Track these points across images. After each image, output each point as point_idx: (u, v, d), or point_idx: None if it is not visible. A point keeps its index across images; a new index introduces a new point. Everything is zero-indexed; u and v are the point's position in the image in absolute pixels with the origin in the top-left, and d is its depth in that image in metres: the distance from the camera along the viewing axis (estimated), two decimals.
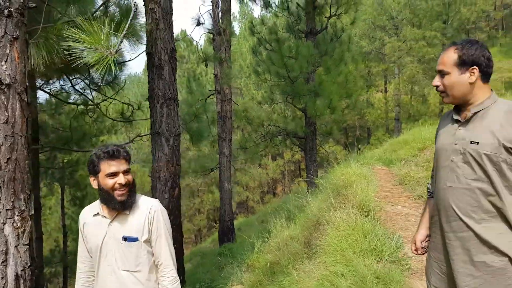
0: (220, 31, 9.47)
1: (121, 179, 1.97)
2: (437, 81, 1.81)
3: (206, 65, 9.13)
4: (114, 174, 1.97)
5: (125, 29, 2.28)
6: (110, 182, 1.96)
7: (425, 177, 5.82)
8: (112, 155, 1.96)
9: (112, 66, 2.07)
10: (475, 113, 1.74)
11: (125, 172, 2.00)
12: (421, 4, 24.60)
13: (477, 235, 1.68)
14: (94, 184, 2.02)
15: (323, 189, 6.05)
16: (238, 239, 9.04)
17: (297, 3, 11.06)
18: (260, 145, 11.96)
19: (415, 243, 2.08)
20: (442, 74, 1.78)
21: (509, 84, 25.00)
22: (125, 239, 2.00)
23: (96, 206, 2.10)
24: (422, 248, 2.05)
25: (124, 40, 2.07)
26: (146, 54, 5.02)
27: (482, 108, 1.73)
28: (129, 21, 2.30)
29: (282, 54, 9.76)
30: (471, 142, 1.70)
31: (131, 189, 2.02)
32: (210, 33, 9.97)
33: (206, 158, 13.30)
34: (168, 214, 2.17)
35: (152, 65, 4.90)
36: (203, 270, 8.32)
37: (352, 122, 30.88)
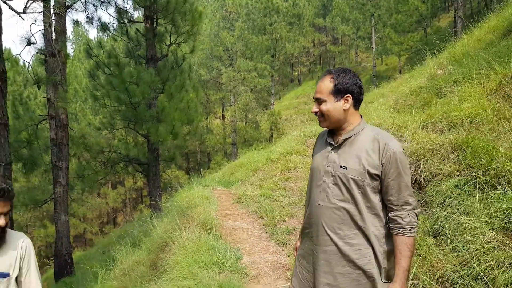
0: (53, 52, 8.92)
1: (1, 220, 1.87)
2: (315, 108, 1.95)
3: (39, 88, 8.44)
4: None
5: None
6: None
7: (259, 195, 6.54)
8: (1, 196, 1.85)
9: None
10: (345, 139, 1.92)
11: (6, 213, 1.89)
12: (252, 39, 27.16)
13: (339, 249, 1.87)
14: None
15: (168, 212, 6.24)
16: (78, 272, 8.44)
17: (136, 29, 11.12)
18: (100, 172, 11.43)
19: (296, 250, 2.25)
20: (320, 101, 1.93)
21: None
22: None
23: None
24: None
25: None
26: None
27: (352, 135, 1.92)
28: None
29: (123, 79, 9.63)
30: (340, 166, 1.88)
31: (4, 228, 1.92)
32: (42, 54, 9.28)
33: (36, 190, 12.00)
34: None
35: None
36: None
37: (193, 148, 31.70)
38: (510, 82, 4.48)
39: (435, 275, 2.92)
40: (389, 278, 1.89)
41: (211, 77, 28.65)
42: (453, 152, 3.84)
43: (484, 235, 2.79)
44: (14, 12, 5.54)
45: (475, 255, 2.73)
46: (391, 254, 1.90)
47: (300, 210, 5.71)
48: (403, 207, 1.84)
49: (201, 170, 28.73)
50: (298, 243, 2.25)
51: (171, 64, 11.33)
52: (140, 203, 31.95)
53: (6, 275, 1.90)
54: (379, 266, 1.87)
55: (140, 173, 12.70)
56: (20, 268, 1.97)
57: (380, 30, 29.30)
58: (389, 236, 1.90)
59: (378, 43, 30.11)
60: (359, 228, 1.86)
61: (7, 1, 5.09)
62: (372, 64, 30.32)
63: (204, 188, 7.57)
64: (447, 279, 2.86)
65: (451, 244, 3.04)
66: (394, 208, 1.85)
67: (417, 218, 1.89)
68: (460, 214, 3.17)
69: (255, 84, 26.45)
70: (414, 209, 1.87)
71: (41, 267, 24.53)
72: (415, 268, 3.00)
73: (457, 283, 2.75)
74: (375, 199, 1.87)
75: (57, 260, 8.59)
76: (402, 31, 26.63)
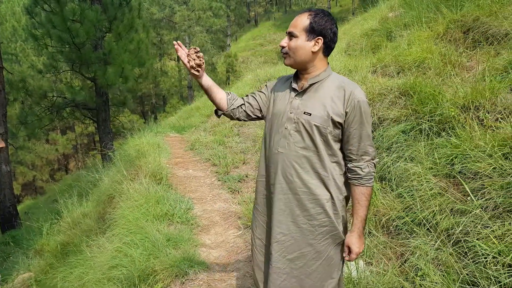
0: None
1: None
2: (284, 42, 1.82)
3: None
4: None
5: None
6: None
7: (212, 141, 6.37)
8: None
9: None
10: (311, 85, 1.82)
11: None
12: None
13: (296, 198, 1.83)
14: None
15: (116, 161, 5.97)
16: (24, 225, 8.12)
17: None
18: (44, 119, 10.80)
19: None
20: (291, 36, 1.79)
21: None
22: None
23: None
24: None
25: None
26: None
27: (317, 81, 1.82)
28: None
29: (64, 17, 8.85)
30: (304, 113, 1.79)
31: None
32: None
33: None
34: None
35: None
36: None
37: (147, 91, 30.60)
38: (457, 26, 4.51)
39: (381, 220, 2.94)
40: (346, 225, 1.90)
41: (164, 15, 27.05)
42: (401, 97, 3.84)
43: (428, 181, 2.82)
44: None
45: (419, 201, 2.76)
46: (348, 201, 1.89)
47: (253, 156, 5.61)
48: (363, 157, 1.80)
49: (157, 114, 27.98)
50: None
51: (119, 1, 10.47)
52: (94, 149, 30.98)
53: None
54: (336, 215, 1.84)
55: (89, 119, 12.12)
56: None
57: None
58: (348, 184, 1.87)
59: None
60: (319, 176, 1.81)
61: None
62: (327, 6, 29.91)
63: (155, 135, 7.29)
64: (392, 224, 2.89)
65: (396, 190, 3.05)
66: (354, 158, 1.81)
67: (375, 168, 1.85)
68: (406, 160, 3.17)
69: (211, 24, 25.34)
70: (372, 159, 1.83)
71: None
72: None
73: (402, 229, 2.77)
74: (336, 147, 1.82)
75: (1, 213, 8.19)
76: None
